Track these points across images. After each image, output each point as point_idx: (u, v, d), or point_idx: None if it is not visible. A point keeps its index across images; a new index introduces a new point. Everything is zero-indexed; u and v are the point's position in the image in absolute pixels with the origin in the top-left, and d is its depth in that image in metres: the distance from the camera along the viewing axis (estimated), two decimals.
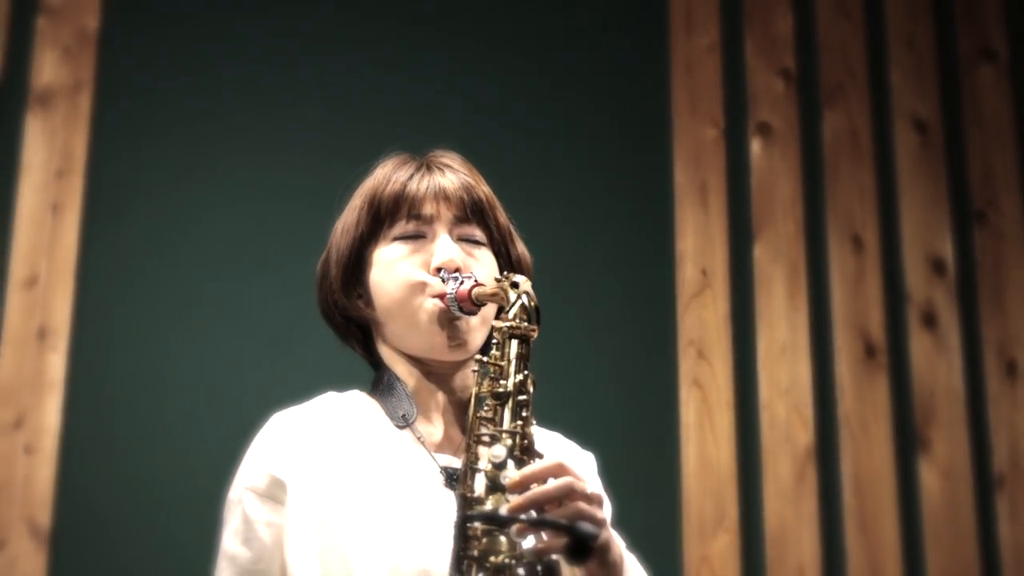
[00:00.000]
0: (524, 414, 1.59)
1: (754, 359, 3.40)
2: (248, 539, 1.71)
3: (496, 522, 1.49)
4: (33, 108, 3.05)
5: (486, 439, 1.57)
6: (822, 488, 3.34)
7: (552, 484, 1.48)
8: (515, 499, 1.48)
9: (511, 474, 1.51)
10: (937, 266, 3.60)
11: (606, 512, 1.78)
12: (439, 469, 1.72)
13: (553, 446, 1.84)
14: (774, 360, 3.41)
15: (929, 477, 3.43)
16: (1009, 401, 3.55)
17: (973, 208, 3.67)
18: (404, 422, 1.75)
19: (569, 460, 1.54)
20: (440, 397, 1.81)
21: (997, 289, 3.63)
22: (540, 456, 1.57)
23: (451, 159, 1.87)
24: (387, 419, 1.78)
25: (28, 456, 2.84)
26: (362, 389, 1.85)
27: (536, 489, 1.48)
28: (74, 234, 3.00)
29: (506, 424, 1.57)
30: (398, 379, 1.81)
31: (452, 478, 1.70)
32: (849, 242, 3.54)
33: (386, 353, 1.84)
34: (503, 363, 1.62)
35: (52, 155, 3.03)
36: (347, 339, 1.89)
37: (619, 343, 3.29)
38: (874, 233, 3.56)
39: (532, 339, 1.64)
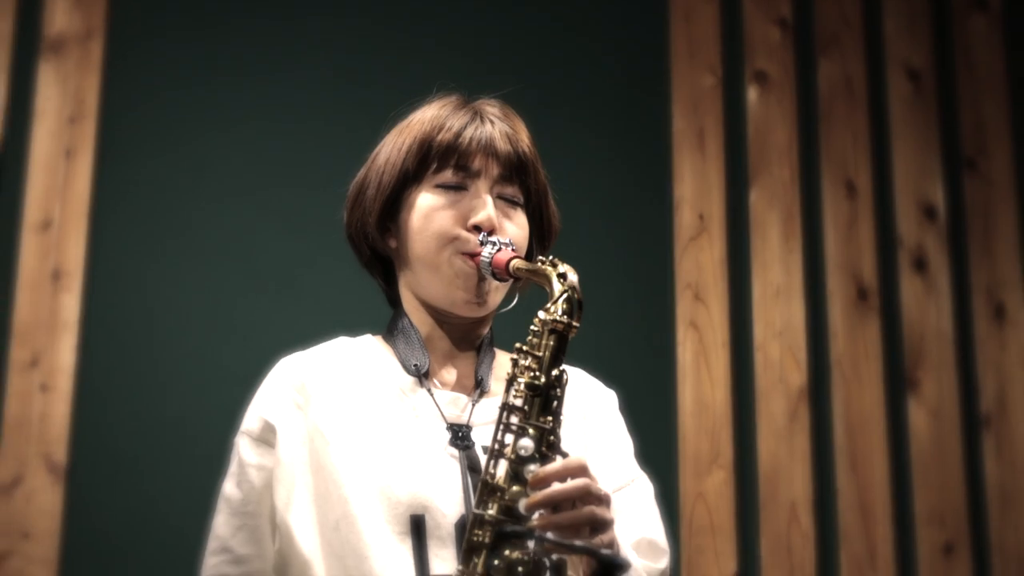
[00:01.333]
0: (553, 408, 1.57)
1: (749, 301, 3.39)
2: (240, 481, 1.73)
3: (527, 537, 1.49)
4: (46, 55, 3.02)
5: (514, 428, 1.56)
6: (814, 427, 3.35)
7: (570, 484, 1.48)
8: (534, 496, 1.48)
9: (533, 468, 1.51)
10: (928, 212, 3.60)
11: (629, 453, 1.84)
12: (446, 425, 1.72)
13: (576, 382, 1.82)
14: (769, 303, 3.40)
15: (918, 417, 3.45)
16: (996, 343, 3.57)
17: (964, 155, 3.67)
18: (416, 372, 1.75)
19: (590, 460, 1.54)
20: (453, 345, 1.81)
21: (986, 234, 3.63)
22: (564, 454, 1.55)
23: (498, 110, 1.84)
24: (398, 365, 1.78)
25: (44, 394, 2.84)
26: (375, 333, 1.85)
27: (554, 487, 1.48)
28: (87, 178, 2.98)
29: (534, 417, 1.56)
30: (413, 326, 1.80)
31: (458, 435, 1.70)
32: (843, 188, 3.53)
33: (405, 295, 1.83)
34: (539, 354, 1.59)
35: (65, 101, 3.01)
36: (370, 268, 1.89)
37: (618, 286, 3.27)
38: (867, 179, 3.56)
39: (571, 336, 1.61)
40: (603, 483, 1.53)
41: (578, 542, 1.45)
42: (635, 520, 1.74)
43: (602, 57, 3.45)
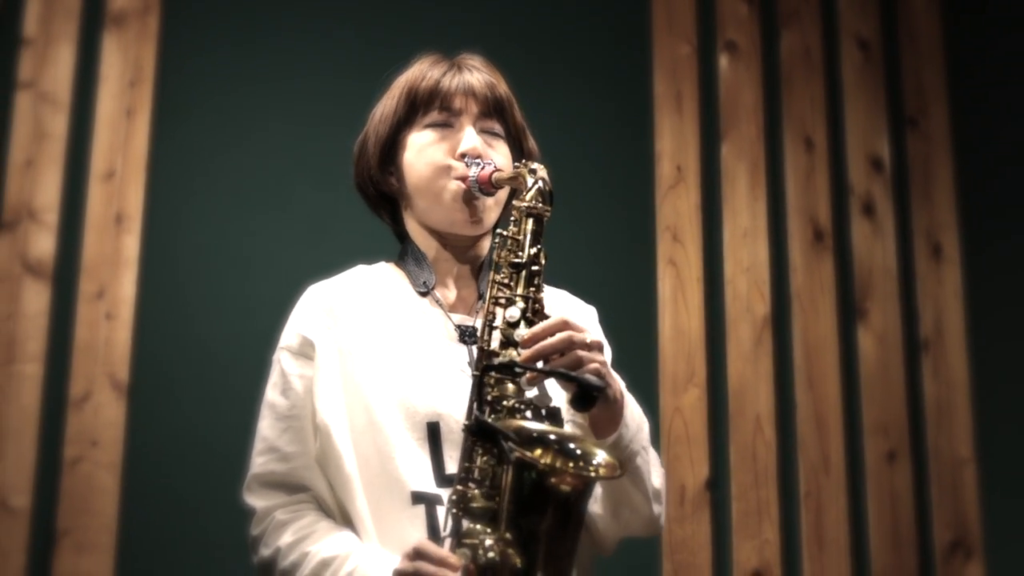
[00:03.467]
0: (536, 282, 1.65)
1: (721, 242, 3.50)
2: (285, 390, 1.80)
3: (511, 370, 1.55)
4: (109, 27, 3.10)
5: (502, 301, 1.63)
6: (777, 351, 3.48)
7: (555, 338, 1.56)
8: (525, 352, 1.56)
9: (522, 332, 1.59)
10: (876, 164, 3.72)
11: (607, 356, 1.83)
12: (454, 327, 1.80)
13: (560, 301, 1.93)
14: (737, 243, 3.51)
15: (866, 342, 3.58)
16: (934, 278, 3.70)
17: (907, 115, 3.80)
18: (425, 288, 1.84)
19: (573, 316, 1.62)
20: (456, 266, 1.89)
21: (926, 184, 3.75)
22: (548, 318, 1.62)
23: (478, 62, 1.93)
24: (410, 286, 1.87)
25: (109, 322, 2.95)
26: (388, 261, 1.96)
27: (542, 343, 1.56)
28: (145, 134, 3.07)
29: (520, 289, 1.63)
30: (420, 251, 1.89)
31: (465, 334, 1.79)
32: (802, 143, 3.65)
33: (411, 226, 1.92)
34: (520, 237, 1.67)
35: (126, 67, 3.08)
36: (377, 210, 1.98)
37: (606, 229, 3.38)
38: (823, 136, 3.67)
39: (546, 219, 1.69)
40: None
41: (559, 368, 1.52)
42: None
43: (591, 29, 3.53)
